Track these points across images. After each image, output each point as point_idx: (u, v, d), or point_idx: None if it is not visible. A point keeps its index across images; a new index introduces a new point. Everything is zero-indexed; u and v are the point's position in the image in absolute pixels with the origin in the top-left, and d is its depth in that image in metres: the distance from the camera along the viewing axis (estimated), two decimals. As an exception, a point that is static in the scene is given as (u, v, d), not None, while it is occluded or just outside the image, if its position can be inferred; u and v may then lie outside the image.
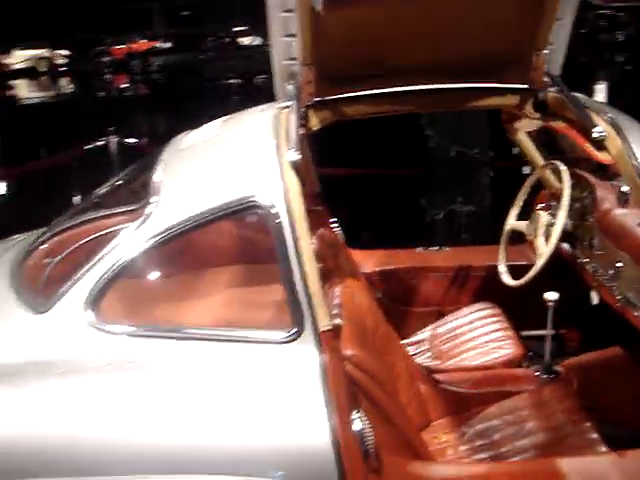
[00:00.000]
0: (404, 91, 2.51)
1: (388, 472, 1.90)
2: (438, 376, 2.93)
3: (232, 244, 2.42)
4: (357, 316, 2.43)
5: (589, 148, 2.41)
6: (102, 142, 6.50)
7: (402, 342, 3.25)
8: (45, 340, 2.03)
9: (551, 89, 2.53)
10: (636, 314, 2.30)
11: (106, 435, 1.82)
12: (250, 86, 18.39)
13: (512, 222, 3.11)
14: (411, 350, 3.28)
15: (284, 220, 1.97)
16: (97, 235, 2.41)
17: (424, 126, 6.59)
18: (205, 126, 2.62)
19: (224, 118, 2.64)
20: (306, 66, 2.41)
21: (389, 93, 2.53)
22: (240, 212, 2.04)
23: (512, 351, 3.02)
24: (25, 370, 1.96)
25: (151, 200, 2.13)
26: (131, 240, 2.07)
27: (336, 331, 2.04)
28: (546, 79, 2.51)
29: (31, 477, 1.81)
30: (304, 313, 1.91)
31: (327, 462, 1.75)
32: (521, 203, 3.08)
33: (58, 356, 1.98)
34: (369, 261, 3.60)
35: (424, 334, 3.41)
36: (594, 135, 2.31)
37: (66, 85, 30.35)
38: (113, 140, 6.50)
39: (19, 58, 35.08)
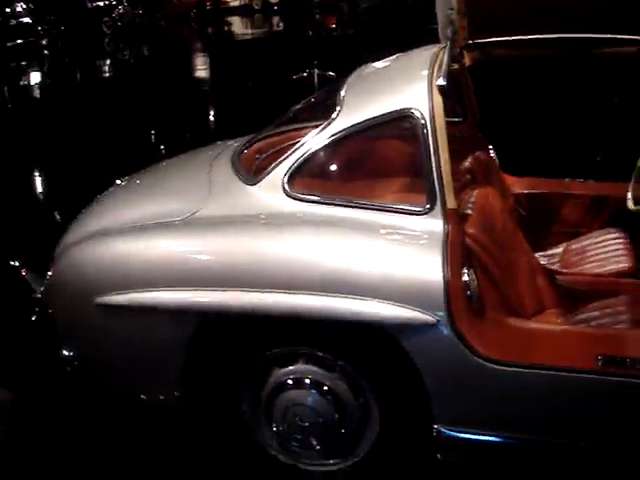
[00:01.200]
0: (541, 38, 3.11)
1: (487, 317, 2.61)
2: (558, 276, 3.56)
3: (392, 144, 3.14)
4: (487, 212, 3.10)
5: None
6: (306, 74, 7.37)
7: (539, 254, 3.90)
8: (253, 202, 2.89)
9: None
10: None
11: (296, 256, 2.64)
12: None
13: None
14: (543, 260, 3.90)
15: (430, 128, 2.67)
16: (291, 143, 3.21)
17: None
18: (383, 59, 3.35)
19: (398, 54, 3.36)
20: (460, 15, 3.07)
21: (529, 40, 3.14)
22: (399, 119, 2.76)
23: (626, 265, 3.56)
24: (241, 219, 2.84)
25: (336, 109, 2.92)
26: (318, 137, 2.87)
27: (463, 216, 2.74)
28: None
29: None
30: (437, 196, 2.62)
31: (439, 296, 2.47)
32: None
33: (262, 211, 2.83)
34: (520, 184, 4.22)
35: (558, 249, 4.00)
36: None
37: (277, 24, 31.69)
38: (315, 73, 7.34)
39: (237, -4, 36.60)
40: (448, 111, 3.72)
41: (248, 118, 7.39)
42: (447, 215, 2.62)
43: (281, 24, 31.32)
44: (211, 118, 10.83)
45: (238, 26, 31.57)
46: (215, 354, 2.84)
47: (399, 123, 2.80)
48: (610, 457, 2.59)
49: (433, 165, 2.63)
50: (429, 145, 2.65)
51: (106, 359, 3.08)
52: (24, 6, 25.19)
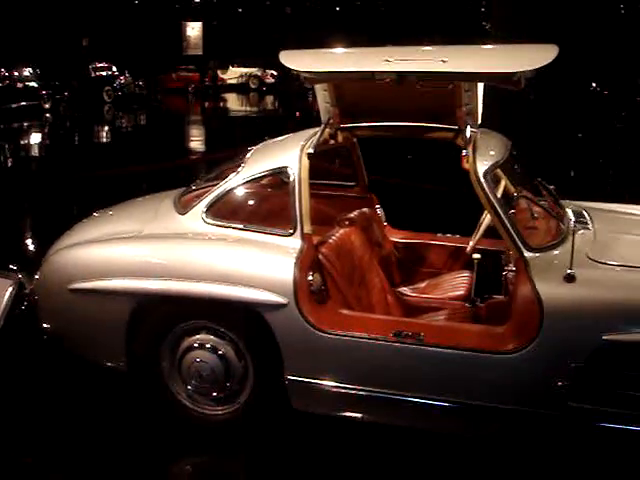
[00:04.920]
0: (389, 125, 4.53)
1: (326, 306, 3.95)
2: (407, 297, 4.91)
3: (274, 189, 4.45)
4: (346, 244, 4.46)
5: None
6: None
7: (409, 287, 5.23)
8: (182, 225, 4.26)
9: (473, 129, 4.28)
10: None
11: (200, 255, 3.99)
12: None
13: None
14: (409, 290, 5.23)
15: (297, 179, 4.06)
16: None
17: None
18: (283, 135, 4.75)
19: (294, 133, 4.75)
20: (333, 105, 4.52)
21: (381, 126, 4.57)
22: (279, 173, 4.17)
23: (461, 293, 4.89)
24: (173, 236, 4.20)
25: (241, 165, 4.31)
26: (226, 184, 4.26)
27: (323, 241, 4.14)
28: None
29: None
30: (298, 224, 3.99)
31: (290, 287, 3.78)
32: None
33: (187, 231, 4.20)
34: (398, 234, 5.60)
35: (423, 283, 5.34)
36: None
37: (271, 103, 33.43)
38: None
39: (234, 74, 38.41)
40: (342, 177, 5.25)
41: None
42: (304, 237, 3.99)
43: (275, 103, 33.12)
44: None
45: (234, 103, 33.44)
46: (146, 327, 4.13)
47: (279, 175, 4.20)
48: (410, 402, 3.84)
49: (297, 203, 4.01)
50: (295, 190, 4.04)
51: (72, 331, 4.38)
52: (31, 71, 27.07)
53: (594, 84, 26.41)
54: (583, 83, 26.46)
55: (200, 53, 44.04)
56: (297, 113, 24.08)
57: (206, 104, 31.99)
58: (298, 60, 4.15)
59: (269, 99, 34.54)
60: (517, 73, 3.63)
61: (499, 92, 4.14)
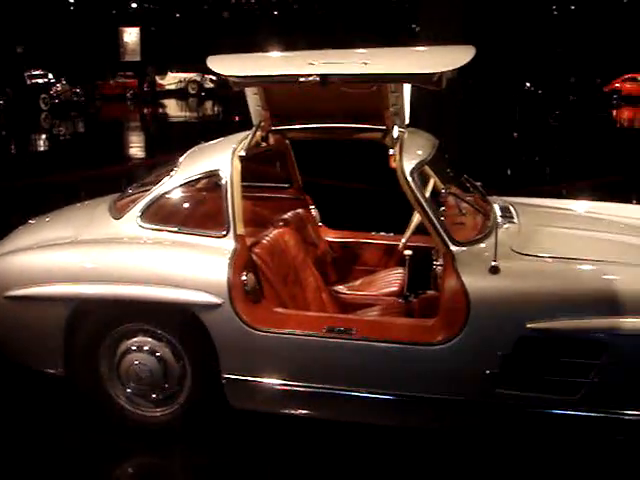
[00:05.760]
0: (319, 127, 4.64)
1: (261, 304, 4.03)
2: (342, 295, 5.02)
3: (207, 192, 4.50)
4: (279, 244, 4.54)
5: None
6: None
7: (344, 285, 5.33)
8: (117, 230, 4.29)
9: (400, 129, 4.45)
10: None
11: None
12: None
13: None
14: (345, 288, 5.34)
15: (229, 182, 4.13)
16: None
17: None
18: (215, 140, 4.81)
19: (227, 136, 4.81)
20: (264, 109, 4.61)
21: (311, 128, 4.67)
22: (211, 176, 4.23)
23: (394, 289, 5.02)
24: (108, 241, 4.23)
25: (174, 169, 4.37)
26: (159, 188, 4.31)
27: (257, 242, 4.22)
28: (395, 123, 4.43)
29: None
30: (231, 226, 4.06)
31: (224, 287, 3.85)
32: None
33: (122, 235, 4.23)
34: (334, 234, 5.71)
35: (358, 281, 5.45)
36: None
37: (210, 108, 33.34)
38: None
39: (173, 80, 38.23)
40: (277, 179, 5.34)
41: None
42: (237, 238, 4.06)
43: (215, 108, 33.04)
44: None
45: (173, 108, 33.28)
46: (83, 331, 4.16)
47: (211, 179, 4.27)
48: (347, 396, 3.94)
49: (229, 206, 4.09)
50: (227, 193, 4.11)
51: (10, 339, 4.38)
52: (-36, 80, 26.53)
53: (528, 84, 26.99)
54: (517, 83, 27.09)
55: (138, 59, 43.74)
56: (235, 117, 24.10)
57: (145, 110, 31.78)
58: (225, 65, 4.23)
59: (208, 104, 34.47)
60: (436, 74, 3.76)
61: (431, 93, 4.26)
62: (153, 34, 44.91)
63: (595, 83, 38.82)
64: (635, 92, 38.82)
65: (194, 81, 38.10)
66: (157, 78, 38.29)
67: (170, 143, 18.07)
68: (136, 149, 18.98)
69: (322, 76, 3.83)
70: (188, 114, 30.71)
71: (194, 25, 43.70)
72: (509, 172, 14.85)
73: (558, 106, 24.91)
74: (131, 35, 44.96)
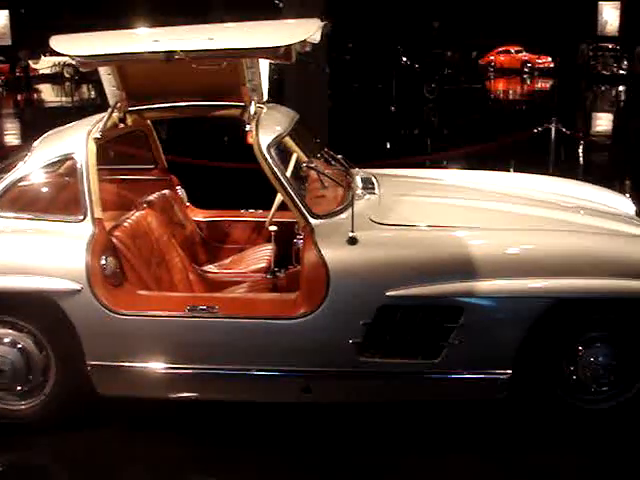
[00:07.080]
0: (176, 106, 4.60)
1: (122, 288, 3.98)
2: (209, 274, 5.01)
3: (63, 177, 4.37)
4: (142, 226, 4.47)
5: None
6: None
7: (215, 264, 5.32)
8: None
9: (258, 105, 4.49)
10: None
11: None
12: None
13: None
14: (215, 267, 5.32)
15: (84, 165, 4.04)
16: None
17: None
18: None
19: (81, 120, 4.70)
20: (119, 90, 4.53)
21: (169, 107, 4.62)
22: (66, 160, 4.13)
23: (262, 266, 5.03)
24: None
25: (27, 155, 4.23)
26: (12, 176, 4.16)
27: (117, 225, 4.15)
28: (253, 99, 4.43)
29: None
30: (88, 210, 3.99)
31: (82, 272, 3.79)
32: None
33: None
34: (202, 214, 5.67)
35: (228, 260, 5.45)
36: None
37: (87, 91, 32.43)
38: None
39: (47, 64, 36.91)
40: (140, 160, 5.25)
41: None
42: (95, 222, 3.99)
43: (92, 92, 32.10)
44: None
45: (49, 93, 32.19)
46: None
47: (65, 162, 4.16)
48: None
49: (85, 189, 4.01)
50: (83, 177, 4.03)
51: None
52: None
53: (404, 58, 27.47)
54: (394, 58, 27.54)
55: (9, 43, 42.02)
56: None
57: (19, 96, 30.61)
58: (70, 44, 4.12)
59: (85, 88, 33.46)
60: (281, 47, 3.77)
61: (295, 68, 4.28)
62: (23, 17, 43.16)
63: (471, 56, 39.89)
64: (508, 64, 40.28)
65: (69, 65, 36.77)
66: (30, 62, 36.89)
67: (46, 129, 17.44)
68: (11, 137, 18.29)
69: (167, 53, 3.79)
70: (64, 99, 29.81)
71: (65, 6, 42.22)
72: (388, 145, 15.13)
73: (434, 79, 25.43)
74: (-1, 18, 43.15)
